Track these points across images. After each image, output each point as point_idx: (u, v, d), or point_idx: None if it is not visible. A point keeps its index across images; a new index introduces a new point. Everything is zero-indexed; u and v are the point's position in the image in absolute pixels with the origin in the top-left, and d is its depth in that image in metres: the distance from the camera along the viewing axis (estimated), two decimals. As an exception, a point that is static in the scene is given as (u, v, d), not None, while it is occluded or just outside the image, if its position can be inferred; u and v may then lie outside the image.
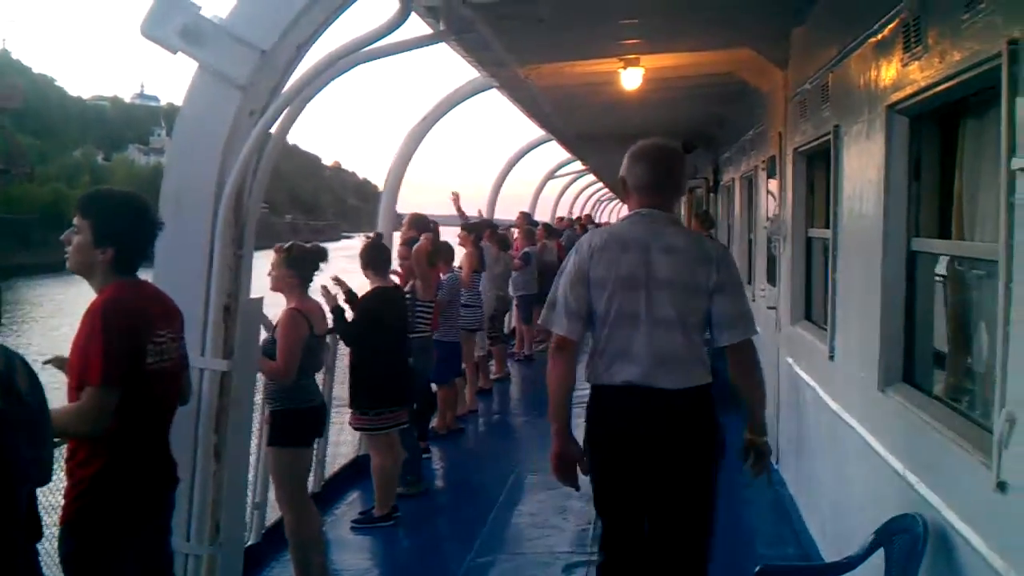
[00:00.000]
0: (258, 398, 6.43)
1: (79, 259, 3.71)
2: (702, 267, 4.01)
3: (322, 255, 6.08)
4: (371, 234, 8.62)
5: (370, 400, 6.90)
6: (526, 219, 16.73)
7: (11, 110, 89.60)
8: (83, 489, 3.57)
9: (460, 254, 10.77)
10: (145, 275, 3.99)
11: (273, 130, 5.18)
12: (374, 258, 7.19)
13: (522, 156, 16.56)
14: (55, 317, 37.98)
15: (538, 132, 14.99)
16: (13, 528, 2.69)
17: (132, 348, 3.59)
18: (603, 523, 4.31)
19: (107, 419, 3.47)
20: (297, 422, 5.81)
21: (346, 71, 5.35)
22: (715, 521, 4.22)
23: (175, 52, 4.91)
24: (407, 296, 8.13)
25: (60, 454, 3.63)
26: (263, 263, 6.03)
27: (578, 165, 20.99)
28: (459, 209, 12.45)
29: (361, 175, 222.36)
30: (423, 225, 9.08)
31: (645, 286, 3.98)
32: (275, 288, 5.92)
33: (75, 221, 3.73)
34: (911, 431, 4.07)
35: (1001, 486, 3.01)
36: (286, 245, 6.03)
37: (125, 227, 3.75)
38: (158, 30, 4.87)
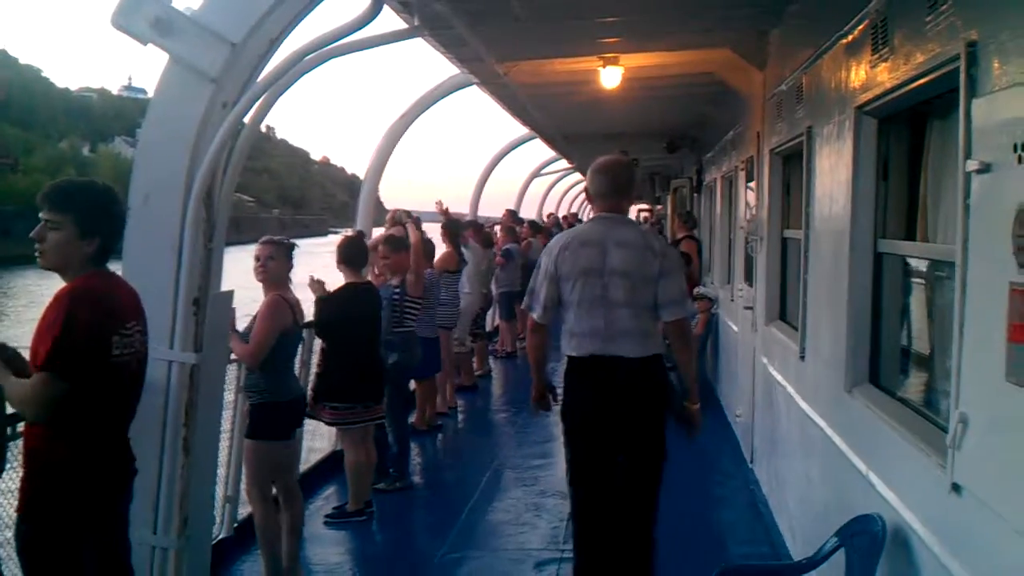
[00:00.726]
0: (231, 392, 6.44)
1: (62, 254, 3.66)
2: (649, 258, 4.82)
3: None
4: (360, 229, 8.64)
5: (342, 394, 6.88)
6: (511, 216, 16.71)
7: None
8: (40, 477, 3.56)
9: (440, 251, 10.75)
10: (113, 267, 3.97)
11: (246, 121, 5.17)
12: (350, 254, 7.17)
13: (506, 154, 16.47)
14: (31, 308, 37.71)
15: (523, 130, 14.95)
16: None
17: (95, 339, 3.56)
18: (573, 462, 5.05)
19: (50, 407, 3.46)
20: (278, 415, 5.80)
21: (319, 65, 5.34)
22: (665, 461, 5.01)
23: (146, 43, 4.90)
24: (396, 292, 8.11)
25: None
26: (245, 256, 5.99)
27: (563, 164, 20.96)
28: (444, 213, 12.42)
29: (350, 170, 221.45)
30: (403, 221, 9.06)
31: (601, 274, 4.81)
32: (263, 278, 5.86)
33: (47, 216, 3.66)
34: (874, 432, 4.08)
35: (955, 487, 3.03)
36: (277, 239, 6.01)
37: (108, 217, 3.75)
38: (129, 21, 4.86)
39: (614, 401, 4.83)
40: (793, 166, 6.85)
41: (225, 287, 5.30)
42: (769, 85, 7.33)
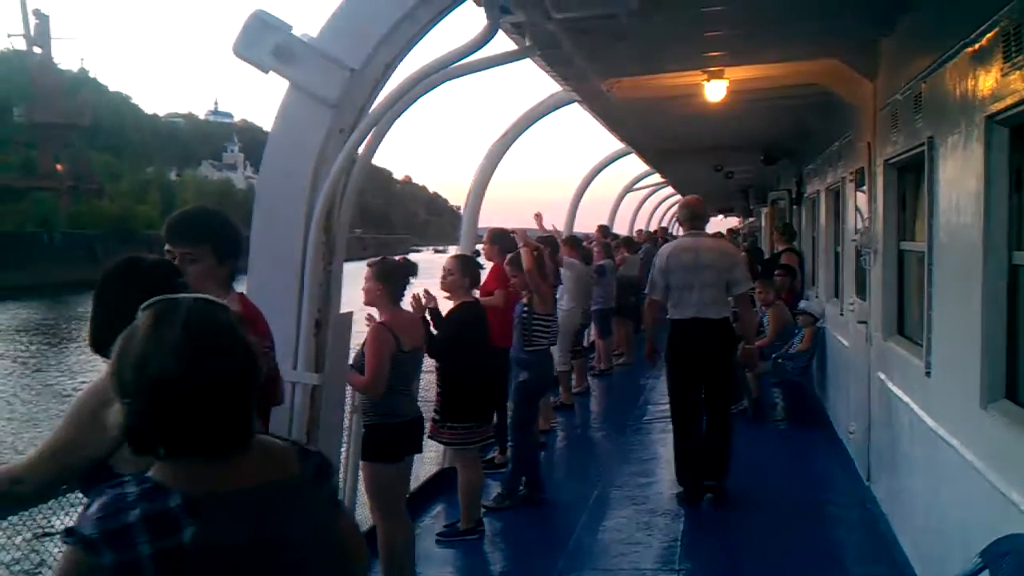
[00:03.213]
0: (347, 413, 6.50)
1: (202, 285, 3.45)
2: (725, 258, 7.86)
3: (412, 269, 6.07)
4: (440, 248, 8.73)
5: (461, 414, 6.88)
6: (603, 232, 16.64)
7: (81, 127, 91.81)
8: None
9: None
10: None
11: (361, 149, 5.25)
12: (474, 272, 7.24)
13: (601, 170, 16.38)
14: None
15: (617, 145, 14.90)
16: None
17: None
18: (672, 392, 8.06)
19: None
20: (388, 437, 5.80)
21: (434, 88, 5.40)
22: (731, 382, 8.43)
23: (267, 71, 5.02)
24: (524, 310, 8.14)
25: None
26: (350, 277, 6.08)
27: (656, 178, 20.81)
28: (540, 226, 12.45)
29: (432, 189, 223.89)
30: (502, 239, 9.05)
31: (696, 268, 7.65)
32: (367, 302, 5.96)
33: (183, 249, 3.63)
34: (1015, 449, 3.95)
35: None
36: (376, 259, 6.09)
37: (237, 240, 3.81)
38: (251, 50, 4.99)
39: (702, 345, 7.64)
40: (909, 177, 6.71)
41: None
42: (881, 95, 7.18)
